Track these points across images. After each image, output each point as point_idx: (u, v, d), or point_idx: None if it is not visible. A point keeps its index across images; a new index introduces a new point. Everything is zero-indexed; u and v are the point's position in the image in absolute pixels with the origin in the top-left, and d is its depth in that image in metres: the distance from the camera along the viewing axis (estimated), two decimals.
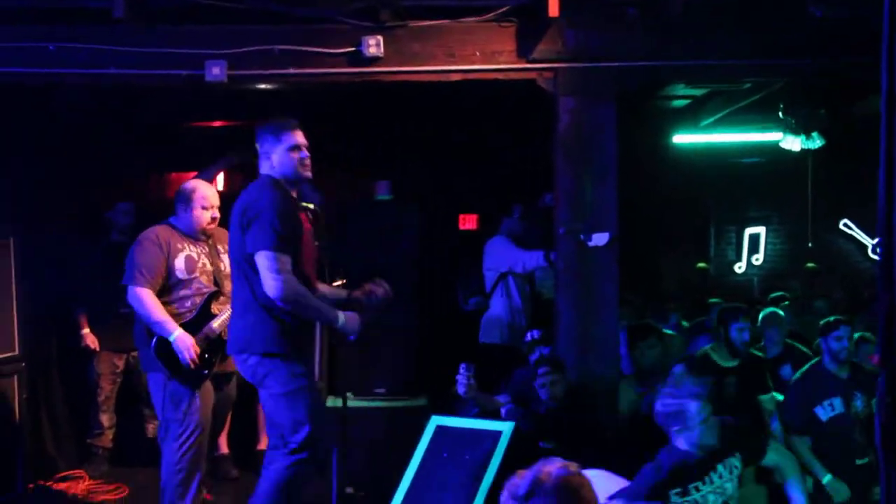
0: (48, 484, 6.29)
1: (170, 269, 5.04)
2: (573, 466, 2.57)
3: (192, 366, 4.91)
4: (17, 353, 6.02)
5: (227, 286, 5.15)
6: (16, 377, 6.00)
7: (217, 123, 7.28)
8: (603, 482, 3.96)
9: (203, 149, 7.23)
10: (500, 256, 6.82)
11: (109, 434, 6.74)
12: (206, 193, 5.23)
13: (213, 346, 4.99)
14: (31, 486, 6.14)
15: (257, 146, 4.54)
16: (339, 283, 5.68)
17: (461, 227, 8.17)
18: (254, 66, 5.40)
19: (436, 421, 5.49)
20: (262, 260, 4.24)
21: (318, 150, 7.34)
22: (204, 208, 5.19)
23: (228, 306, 5.01)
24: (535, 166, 6.69)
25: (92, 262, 6.51)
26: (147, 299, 4.94)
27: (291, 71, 5.43)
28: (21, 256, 6.01)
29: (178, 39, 5.35)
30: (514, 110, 6.51)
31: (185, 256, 5.11)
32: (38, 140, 6.39)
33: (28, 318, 6.12)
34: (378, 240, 6.67)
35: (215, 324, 5.02)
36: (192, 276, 5.09)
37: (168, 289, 5.05)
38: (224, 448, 6.46)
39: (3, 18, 5.28)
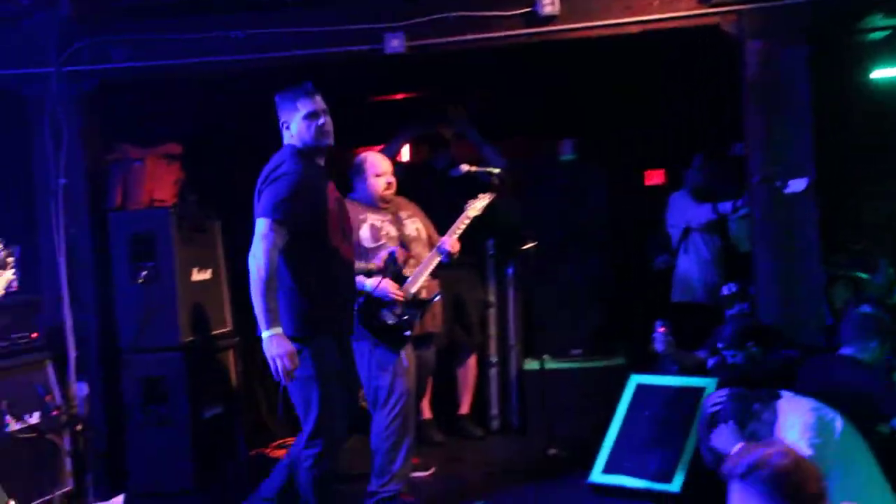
0: (267, 451, 6.58)
1: (356, 240, 5.12)
2: (798, 454, 2.47)
3: (397, 316, 5.00)
4: (230, 328, 6.36)
5: (415, 248, 5.24)
6: (231, 351, 6.35)
7: (398, 96, 7.38)
8: None
9: (386, 122, 7.35)
10: (679, 212, 6.61)
11: None
12: (376, 161, 5.33)
13: (411, 307, 5.07)
14: (252, 453, 6.49)
15: (278, 116, 4.49)
16: (529, 245, 5.69)
17: (647, 182, 7.98)
18: (431, 36, 5.42)
19: (635, 380, 5.42)
20: (258, 225, 4.22)
21: (499, 113, 7.41)
22: (377, 175, 5.28)
23: (420, 266, 5.12)
24: (719, 114, 6.45)
25: None
26: None
27: (468, 37, 5.41)
28: (229, 237, 6.33)
29: (355, 15, 5.45)
30: (695, 57, 6.27)
31: (369, 226, 5.22)
32: (229, 124, 6.66)
33: (238, 294, 6.43)
34: (565, 200, 6.63)
35: (410, 285, 5.10)
36: (379, 243, 5.18)
37: (357, 258, 5.09)
38: (427, 413, 6.59)
39: (188, 9, 5.53)
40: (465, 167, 5.64)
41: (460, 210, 5.34)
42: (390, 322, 5.02)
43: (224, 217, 6.33)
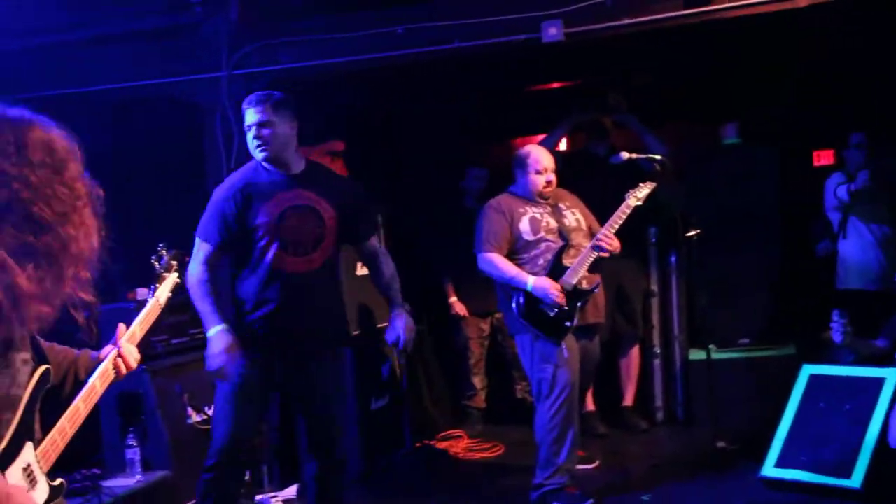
0: (432, 443, 6.68)
1: (515, 234, 5.13)
2: None
3: (557, 307, 4.97)
4: None
5: (575, 238, 5.18)
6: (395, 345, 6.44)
7: (554, 85, 7.33)
8: None
9: (542, 112, 7.32)
10: (829, 194, 6.27)
11: (482, 395, 7.05)
12: (540, 157, 5.25)
13: (571, 298, 5.03)
14: (417, 444, 6.59)
15: None
16: (693, 232, 5.55)
17: (816, 163, 7.64)
18: (588, 22, 5.36)
19: (808, 370, 5.24)
20: None
21: (658, 98, 7.27)
22: (538, 172, 5.22)
23: (580, 257, 5.07)
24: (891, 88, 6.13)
25: (451, 230, 6.76)
26: (496, 261, 5.07)
27: (625, 21, 5.33)
28: (389, 228, 6.42)
29: (512, 5, 5.44)
30: (865, 27, 5.95)
31: (529, 218, 5.18)
32: (389, 118, 6.77)
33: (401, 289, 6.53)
34: (731, 185, 6.44)
35: (570, 276, 5.06)
36: (539, 236, 5.15)
37: (517, 252, 5.15)
38: (590, 405, 6.54)
39: (349, 7, 5.65)
40: (625, 154, 5.55)
41: (621, 199, 5.25)
42: (551, 314, 4.99)
43: (387, 210, 6.43)
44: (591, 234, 5.27)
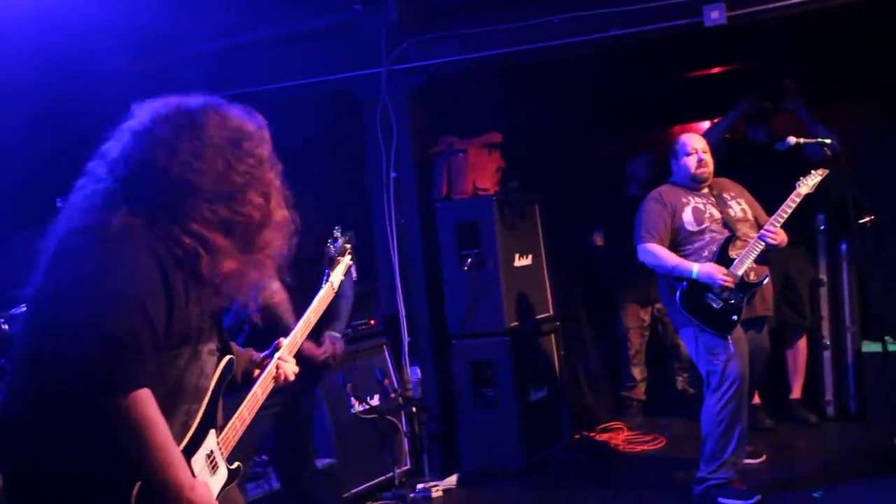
0: (591, 434, 6.63)
1: (678, 224, 5.04)
2: None
3: (724, 297, 4.84)
4: (552, 313, 6.46)
5: (742, 229, 5.05)
6: (553, 336, 6.44)
7: (714, 70, 7.13)
8: None
9: (701, 98, 7.14)
10: None
11: (642, 387, 6.95)
12: (687, 140, 5.20)
13: (737, 290, 4.90)
14: (576, 436, 6.55)
15: None
16: (866, 220, 5.31)
17: None
18: (753, 3, 5.20)
19: None
20: None
21: (826, 81, 6.95)
22: (687, 154, 5.14)
23: (747, 248, 4.93)
24: None
25: (614, 216, 6.70)
26: (657, 251, 5.00)
27: (791, 2, 5.13)
28: (546, 218, 6.42)
29: None
30: None
31: (692, 209, 5.09)
32: (544, 110, 6.74)
33: (557, 278, 6.52)
34: None
35: (736, 267, 4.92)
36: (703, 226, 5.04)
37: (681, 243, 5.06)
38: (756, 398, 6.35)
39: (505, 1, 5.65)
40: (793, 139, 5.31)
41: (786, 187, 5.06)
42: (716, 307, 4.87)
43: (542, 202, 6.41)
44: (758, 224, 5.12)
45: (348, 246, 3.11)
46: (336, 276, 3.02)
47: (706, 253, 5.01)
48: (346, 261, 3.09)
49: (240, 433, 2.49)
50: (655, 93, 7.28)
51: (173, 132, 2.21)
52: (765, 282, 5.05)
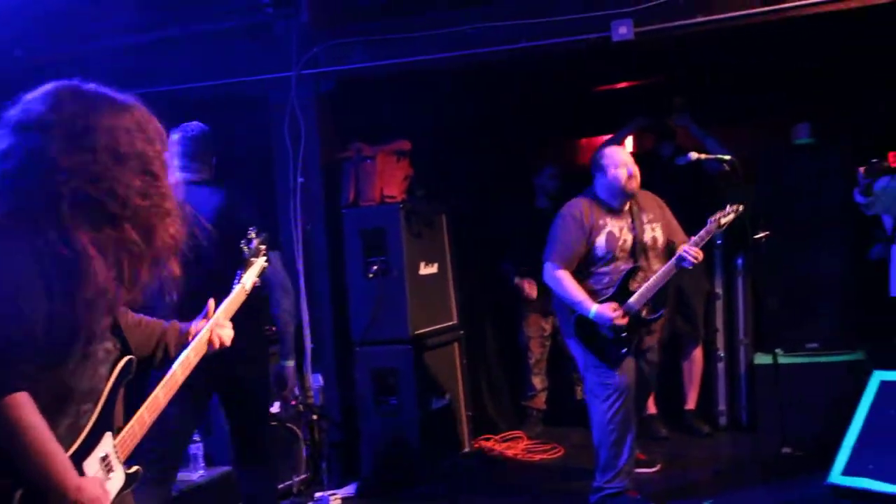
0: (490, 444, 6.64)
1: (590, 247, 4.97)
2: None
3: (615, 330, 4.89)
4: (455, 321, 6.47)
5: (649, 259, 5.03)
6: (456, 344, 6.45)
7: (621, 85, 7.26)
8: None
9: (607, 112, 7.25)
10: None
11: (542, 396, 7.00)
12: (615, 153, 5.06)
13: (631, 325, 4.91)
14: (476, 444, 6.56)
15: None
16: (762, 235, 5.45)
17: (894, 164, 7.42)
18: (658, 20, 5.28)
19: (879, 376, 5.13)
20: None
21: (727, 98, 7.14)
22: (616, 166, 4.98)
23: (647, 282, 4.91)
24: None
25: (519, 227, 6.73)
26: (564, 280, 4.93)
27: (698, 19, 5.23)
28: (453, 227, 6.43)
29: (581, 4, 5.40)
30: None
31: (607, 234, 4.98)
32: (452, 120, 6.76)
33: (462, 287, 6.53)
34: (802, 187, 6.30)
35: (633, 300, 4.90)
36: (611, 255, 4.98)
37: (586, 266, 5.01)
38: (652, 408, 6.46)
39: (416, 8, 5.65)
40: (693, 155, 5.41)
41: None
42: (609, 337, 4.90)
43: (450, 211, 6.42)
44: (669, 248, 5.09)
45: (262, 247, 3.04)
46: (248, 277, 2.95)
47: (606, 280, 4.98)
48: (259, 262, 3.02)
49: (139, 436, 2.41)
50: (563, 105, 7.37)
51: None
52: (659, 318, 5.08)
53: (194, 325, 2.69)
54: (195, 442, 4.87)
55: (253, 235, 3.03)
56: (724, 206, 5.01)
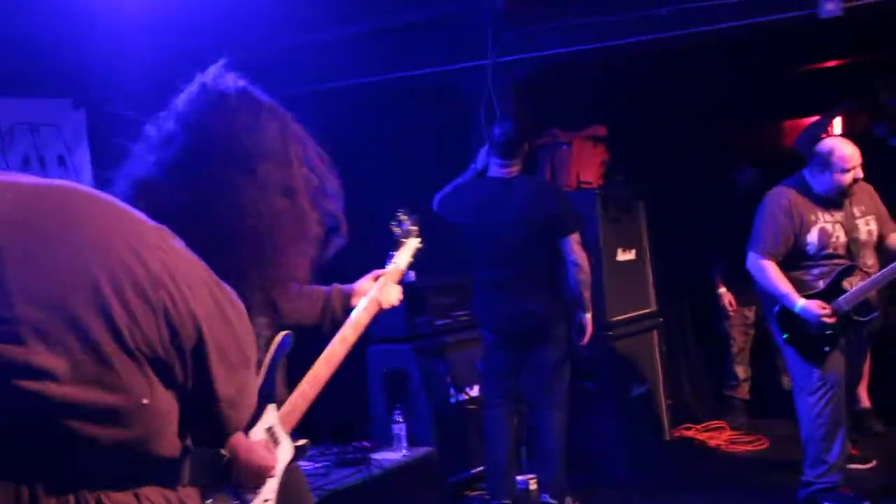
0: (691, 433, 6.54)
1: (801, 243, 4.78)
2: None
3: (822, 328, 4.68)
4: (653, 308, 6.39)
5: (863, 257, 4.82)
6: (655, 331, 6.37)
7: (829, 63, 6.95)
8: None
9: (815, 92, 6.95)
10: None
11: (745, 386, 6.82)
12: (846, 154, 4.73)
13: (839, 324, 4.69)
14: (676, 434, 6.48)
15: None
16: None
17: None
18: None
19: None
20: None
21: None
22: (844, 171, 4.71)
23: (862, 284, 4.68)
24: None
25: (722, 219, 6.60)
26: (770, 271, 4.77)
27: None
28: (652, 217, 6.35)
29: None
30: None
31: (819, 230, 4.77)
32: (652, 104, 6.67)
33: (659, 273, 6.44)
34: None
35: (843, 300, 4.67)
36: (825, 251, 4.77)
37: (797, 260, 4.82)
38: (865, 401, 6.16)
39: None
40: None
41: None
42: (811, 333, 4.71)
43: (648, 197, 6.34)
44: (882, 239, 4.87)
45: (415, 228, 3.10)
46: (402, 257, 3.02)
47: (817, 271, 4.80)
48: (411, 243, 3.07)
49: (304, 409, 2.46)
50: (766, 87, 7.13)
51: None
52: (871, 319, 4.82)
53: (358, 285, 2.79)
54: (398, 422, 5.03)
55: (403, 217, 3.10)
56: None
